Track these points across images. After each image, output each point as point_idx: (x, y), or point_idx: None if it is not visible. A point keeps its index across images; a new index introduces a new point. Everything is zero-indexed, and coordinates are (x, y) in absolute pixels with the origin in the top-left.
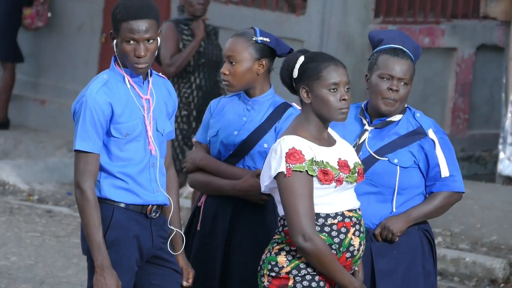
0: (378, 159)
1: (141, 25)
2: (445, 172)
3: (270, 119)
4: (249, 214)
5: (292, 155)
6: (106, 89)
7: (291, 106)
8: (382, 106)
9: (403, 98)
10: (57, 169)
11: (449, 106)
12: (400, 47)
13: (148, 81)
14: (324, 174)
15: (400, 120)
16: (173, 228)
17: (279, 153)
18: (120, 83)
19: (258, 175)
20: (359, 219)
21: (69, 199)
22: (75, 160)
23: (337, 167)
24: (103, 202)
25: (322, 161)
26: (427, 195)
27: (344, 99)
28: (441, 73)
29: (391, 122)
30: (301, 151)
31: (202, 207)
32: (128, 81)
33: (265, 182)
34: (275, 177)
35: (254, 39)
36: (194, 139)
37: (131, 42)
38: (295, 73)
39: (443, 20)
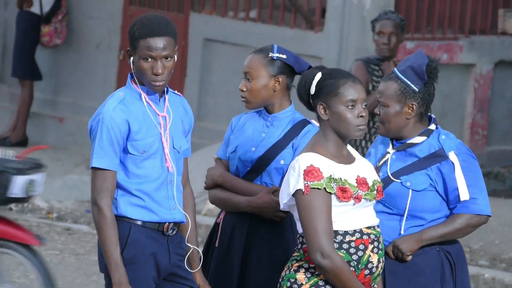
0: (393, 181)
1: (159, 42)
2: (464, 195)
3: (288, 135)
4: (266, 231)
5: (310, 172)
6: (123, 106)
7: (309, 123)
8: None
9: (383, 120)
10: (75, 187)
11: (468, 122)
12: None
13: (165, 98)
14: (342, 192)
15: (422, 142)
16: (190, 245)
17: (297, 171)
18: (136, 101)
19: (273, 192)
20: (378, 236)
21: (88, 217)
22: (92, 177)
23: (356, 184)
24: (120, 219)
25: (341, 178)
26: None
27: (361, 116)
28: (460, 89)
29: (412, 144)
30: (319, 169)
31: (220, 223)
32: (145, 98)
33: (284, 199)
34: (293, 195)
35: (270, 55)
36: (215, 155)
37: (149, 59)
38: (313, 90)
39: (461, 36)
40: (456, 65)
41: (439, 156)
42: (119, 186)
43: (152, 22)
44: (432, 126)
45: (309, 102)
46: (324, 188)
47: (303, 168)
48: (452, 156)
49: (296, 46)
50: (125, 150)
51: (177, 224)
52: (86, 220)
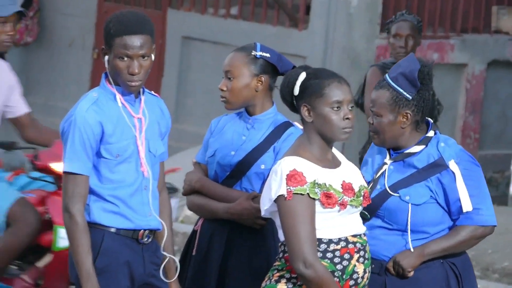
0: (391, 195)
1: (136, 40)
2: (467, 206)
3: (269, 138)
4: (245, 239)
5: (293, 177)
6: (96, 107)
7: (292, 125)
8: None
9: (377, 130)
10: None
11: (459, 124)
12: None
13: (140, 99)
14: (326, 197)
15: (420, 151)
16: (166, 254)
17: (280, 175)
18: (111, 102)
19: (253, 198)
20: (364, 244)
21: None
22: (64, 182)
23: (341, 190)
24: (93, 226)
25: (325, 183)
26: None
27: (347, 118)
28: (451, 90)
29: (410, 154)
30: (302, 173)
31: (198, 231)
32: (120, 99)
33: (265, 205)
34: (275, 200)
35: (253, 53)
36: (193, 160)
37: (125, 58)
38: (296, 90)
39: (453, 34)
40: (447, 65)
41: (438, 165)
42: (91, 192)
43: (129, 19)
44: (431, 133)
45: (293, 103)
46: (308, 193)
47: (285, 173)
48: (452, 165)
49: (279, 45)
50: (98, 154)
51: (153, 232)
52: None
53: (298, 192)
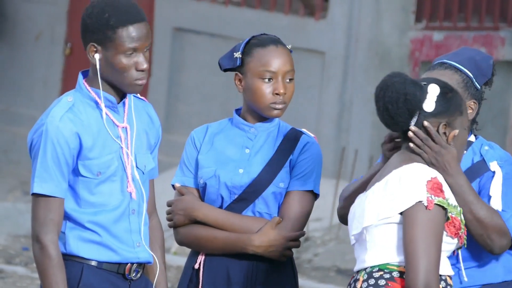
0: None
1: (142, 29)
2: (496, 204)
3: (282, 150)
4: (268, 274)
5: (435, 185)
6: (72, 115)
7: (302, 133)
8: None
9: None
10: (9, 217)
11: None
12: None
13: (124, 104)
14: (452, 225)
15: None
16: None
17: (414, 180)
18: (89, 108)
19: (277, 224)
20: None
21: (25, 256)
22: (33, 206)
23: (464, 220)
24: (70, 259)
25: (456, 207)
26: None
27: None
28: (501, 92)
29: None
30: (442, 185)
31: (202, 269)
32: (101, 104)
33: (381, 215)
34: (402, 212)
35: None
36: (177, 184)
37: (132, 53)
38: (431, 106)
39: (503, 25)
40: (497, 62)
41: (478, 169)
42: (67, 217)
43: (126, 6)
44: (471, 138)
45: (406, 121)
46: (446, 209)
47: (426, 178)
48: (494, 166)
49: (292, 37)
50: (76, 172)
51: (142, 265)
52: (23, 260)
53: (440, 204)
